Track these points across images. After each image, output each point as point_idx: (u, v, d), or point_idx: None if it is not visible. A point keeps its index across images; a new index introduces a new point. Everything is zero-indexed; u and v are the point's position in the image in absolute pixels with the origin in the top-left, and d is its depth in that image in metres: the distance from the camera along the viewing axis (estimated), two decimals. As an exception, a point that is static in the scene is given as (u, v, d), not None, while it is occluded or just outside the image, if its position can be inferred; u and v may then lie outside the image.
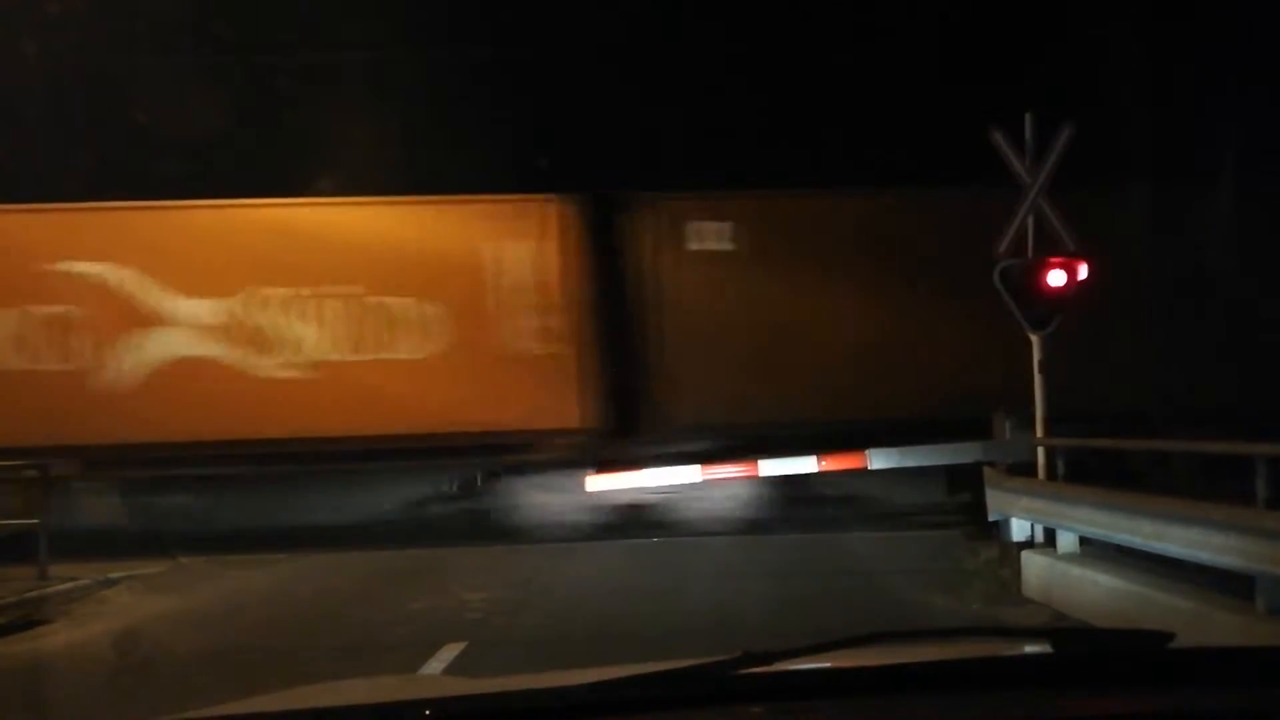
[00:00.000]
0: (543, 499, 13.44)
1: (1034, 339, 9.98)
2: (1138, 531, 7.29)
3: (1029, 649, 2.36)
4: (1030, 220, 10.00)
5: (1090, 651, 2.15)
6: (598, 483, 13.63)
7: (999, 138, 10.00)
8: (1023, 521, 9.49)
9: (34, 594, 9.72)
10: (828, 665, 2.11)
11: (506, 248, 13.15)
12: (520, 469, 13.48)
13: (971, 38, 17.19)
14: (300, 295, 13.12)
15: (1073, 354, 10.82)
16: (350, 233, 13.30)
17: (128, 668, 7.26)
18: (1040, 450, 9.76)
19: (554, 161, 14.92)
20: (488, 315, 13.13)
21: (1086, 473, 9.15)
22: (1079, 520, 8.35)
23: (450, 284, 13.07)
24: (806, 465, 13.49)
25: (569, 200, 13.18)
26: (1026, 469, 10.03)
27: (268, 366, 13.10)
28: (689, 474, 13.60)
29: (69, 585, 10.15)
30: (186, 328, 13.09)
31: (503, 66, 16.45)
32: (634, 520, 13.72)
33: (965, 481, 12.31)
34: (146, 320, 13.03)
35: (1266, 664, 2.07)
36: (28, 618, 9.08)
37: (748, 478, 13.65)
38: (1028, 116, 10.06)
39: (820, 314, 13.31)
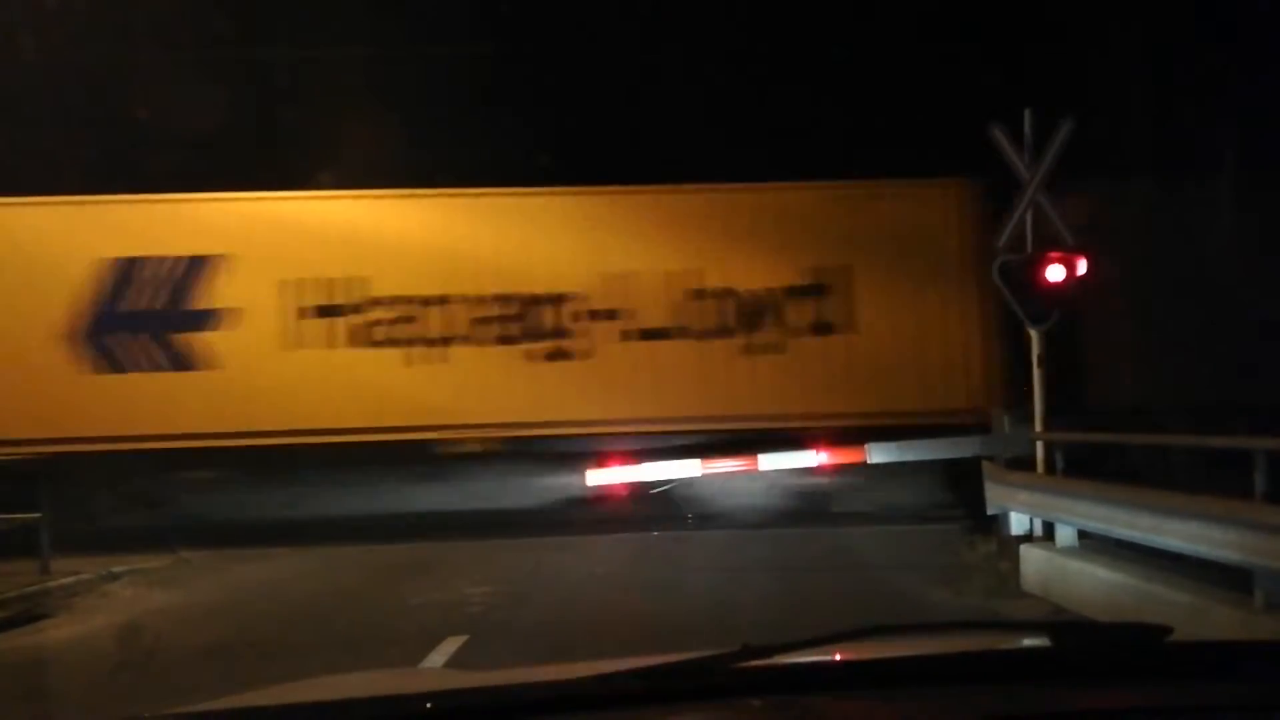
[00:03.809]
0: None
1: (1033, 334, 9.98)
2: (1136, 525, 7.30)
3: (1028, 642, 2.37)
4: (1029, 216, 10.01)
5: (1089, 645, 2.16)
6: (598, 476, 13.67)
7: (998, 133, 9.99)
8: (1021, 515, 9.51)
9: (36, 588, 9.74)
10: (827, 659, 2.12)
11: None
12: None
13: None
14: None
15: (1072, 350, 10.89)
16: None
17: (129, 662, 7.26)
18: (1039, 444, 9.78)
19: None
20: None
21: (1085, 467, 9.17)
22: (1078, 514, 8.36)
23: None
24: (806, 459, 13.52)
25: None
26: (1025, 463, 10.05)
27: None
28: (689, 468, 13.64)
29: (71, 579, 10.17)
30: None
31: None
32: (633, 515, 13.77)
33: (964, 475, 12.34)
34: None
35: (1264, 658, 2.08)
36: (30, 612, 9.10)
37: (747, 472, 13.69)
38: (1027, 113, 10.05)
39: None
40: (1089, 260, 9.91)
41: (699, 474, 13.67)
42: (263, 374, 13.20)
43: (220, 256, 13.26)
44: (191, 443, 13.20)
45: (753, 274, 13.39)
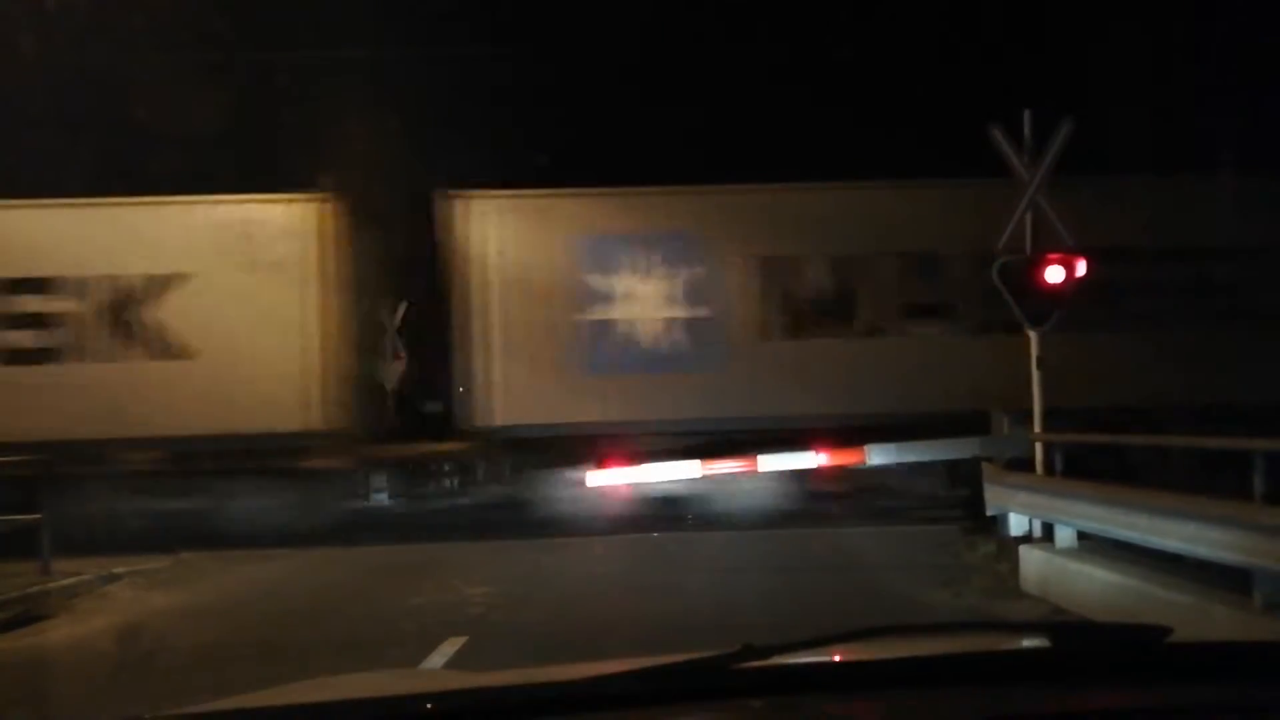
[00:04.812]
0: None
1: (1032, 335, 9.98)
2: (1135, 526, 7.30)
3: (1027, 643, 2.37)
4: (1029, 216, 10.00)
5: (1088, 646, 2.16)
6: (598, 478, 13.66)
7: (997, 134, 9.99)
8: (1021, 516, 9.50)
9: (36, 589, 9.72)
10: (827, 659, 2.12)
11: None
12: None
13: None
14: None
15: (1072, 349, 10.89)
16: None
17: (129, 663, 7.27)
18: (1038, 445, 9.78)
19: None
20: None
21: (1084, 468, 9.17)
22: (1077, 515, 8.36)
23: None
24: (806, 460, 13.52)
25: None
26: (1024, 464, 10.05)
27: None
28: (688, 469, 13.63)
29: (71, 580, 10.16)
30: None
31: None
32: (634, 515, 13.77)
33: (964, 476, 12.34)
34: None
35: (1263, 659, 2.08)
36: (30, 613, 9.09)
37: (747, 473, 13.69)
38: (1026, 113, 10.05)
39: None
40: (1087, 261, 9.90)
41: (698, 475, 13.67)
42: None
43: None
44: None
45: None
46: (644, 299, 13.78)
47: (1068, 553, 8.48)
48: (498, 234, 13.80)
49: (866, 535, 12.68)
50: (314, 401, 13.32)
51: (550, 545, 12.31)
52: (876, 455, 13.42)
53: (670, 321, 13.77)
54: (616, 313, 13.78)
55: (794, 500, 13.92)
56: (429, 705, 1.91)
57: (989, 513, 10.18)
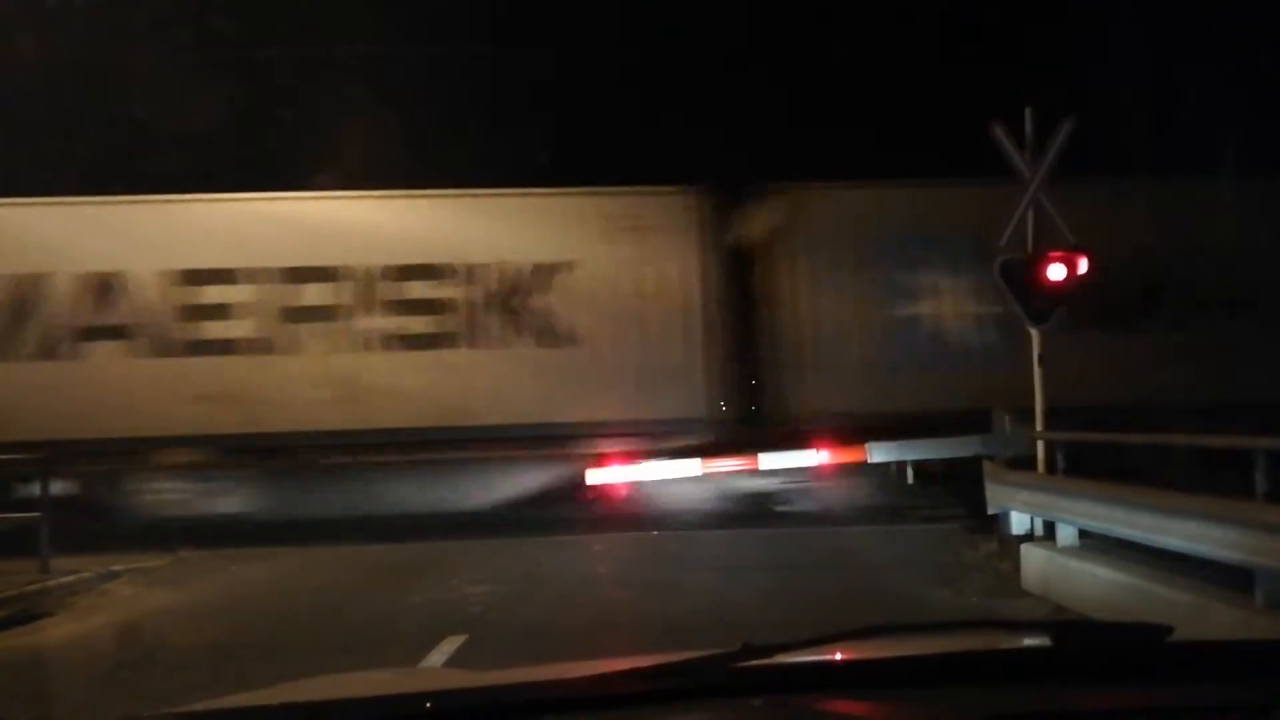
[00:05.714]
0: None
1: (1033, 333, 9.98)
2: (1137, 525, 7.29)
3: (1028, 642, 2.37)
4: (1030, 214, 10.00)
5: (1089, 645, 2.16)
6: (598, 475, 13.66)
7: (999, 132, 9.99)
8: (1022, 515, 9.51)
9: (35, 587, 9.72)
10: (827, 658, 2.12)
11: None
12: None
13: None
14: None
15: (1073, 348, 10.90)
16: None
17: (129, 661, 7.26)
18: (1040, 444, 9.77)
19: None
20: None
21: (1086, 466, 9.16)
22: (1078, 514, 8.35)
23: None
24: (806, 459, 13.52)
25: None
26: (1026, 462, 10.04)
27: None
28: (689, 467, 13.62)
29: (70, 578, 10.16)
30: None
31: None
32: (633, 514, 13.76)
33: (965, 475, 12.33)
34: None
35: (1265, 657, 2.07)
36: (29, 611, 9.09)
37: (748, 471, 13.68)
38: (1028, 111, 10.05)
39: None
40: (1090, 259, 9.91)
41: (699, 473, 13.67)
42: None
43: None
44: None
45: None
46: None
47: (1069, 551, 8.47)
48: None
49: (867, 534, 12.67)
50: None
51: (549, 543, 12.31)
52: (878, 453, 13.42)
53: None
54: None
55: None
56: (428, 704, 1.91)
57: (991, 511, 10.18)
